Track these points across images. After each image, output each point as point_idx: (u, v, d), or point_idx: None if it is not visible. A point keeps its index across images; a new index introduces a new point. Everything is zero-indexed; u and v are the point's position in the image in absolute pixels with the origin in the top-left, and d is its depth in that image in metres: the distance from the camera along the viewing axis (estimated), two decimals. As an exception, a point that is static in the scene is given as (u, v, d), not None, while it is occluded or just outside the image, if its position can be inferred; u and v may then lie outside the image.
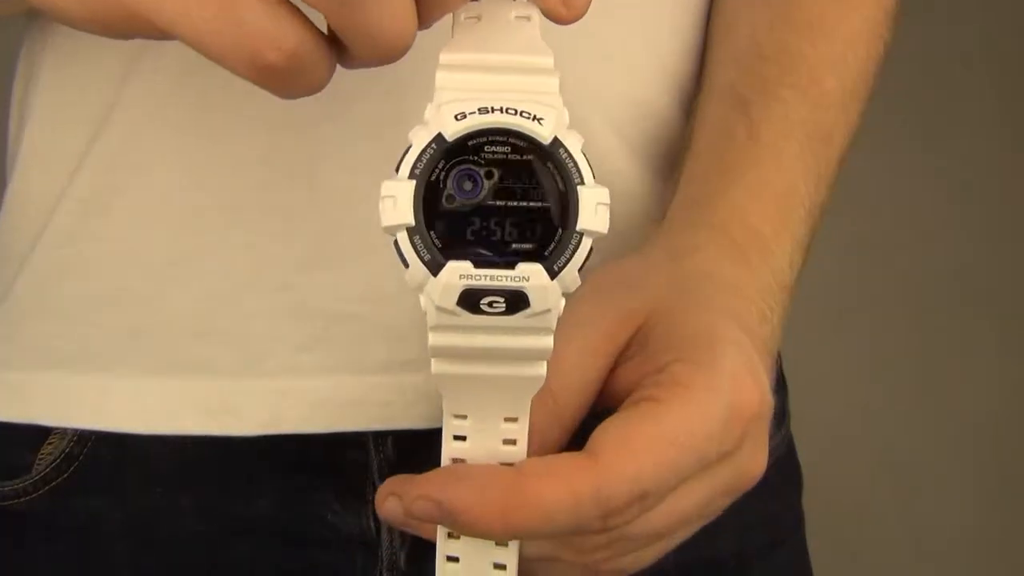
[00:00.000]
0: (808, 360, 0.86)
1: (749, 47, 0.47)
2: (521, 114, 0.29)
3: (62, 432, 0.44)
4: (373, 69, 0.31)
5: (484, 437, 0.33)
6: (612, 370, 0.37)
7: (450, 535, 0.35)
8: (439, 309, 0.30)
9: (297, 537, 0.44)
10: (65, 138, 0.44)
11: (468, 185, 0.29)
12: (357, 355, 0.43)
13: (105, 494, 0.44)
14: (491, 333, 0.30)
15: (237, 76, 0.29)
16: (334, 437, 0.43)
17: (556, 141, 0.29)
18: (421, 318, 0.30)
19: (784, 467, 0.52)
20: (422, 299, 0.30)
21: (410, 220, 0.29)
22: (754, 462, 0.36)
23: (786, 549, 0.53)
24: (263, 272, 0.43)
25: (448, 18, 0.31)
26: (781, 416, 0.51)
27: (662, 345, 0.35)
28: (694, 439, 0.33)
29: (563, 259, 0.29)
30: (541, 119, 0.29)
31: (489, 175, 0.29)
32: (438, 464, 0.34)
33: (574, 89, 0.44)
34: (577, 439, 0.34)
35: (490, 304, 0.29)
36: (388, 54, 0.29)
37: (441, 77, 0.30)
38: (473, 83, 0.30)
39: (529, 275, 0.29)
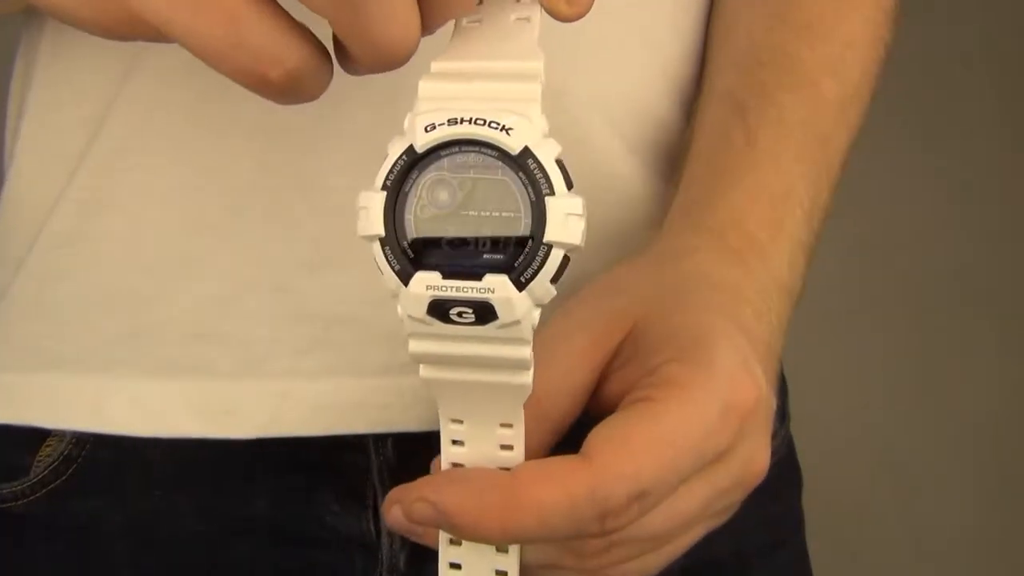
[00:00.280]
0: (808, 361, 0.86)
1: (747, 51, 0.47)
2: (490, 124, 0.29)
3: (60, 434, 0.44)
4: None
5: (481, 442, 0.33)
6: (606, 377, 0.37)
7: (452, 541, 0.35)
8: (411, 318, 0.30)
9: (296, 537, 0.44)
10: (62, 138, 0.44)
11: (442, 195, 0.29)
12: (357, 357, 0.43)
13: (104, 496, 0.44)
14: (467, 342, 0.30)
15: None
16: (333, 439, 0.43)
17: (525, 151, 0.29)
18: None
19: (784, 468, 0.52)
20: (398, 307, 0.30)
21: (380, 231, 0.29)
22: (756, 459, 0.36)
23: (786, 550, 0.53)
24: (262, 274, 0.43)
25: (448, 23, 0.31)
26: (781, 417, 0.51)
27: (655, 347, 0.35)
28: (691, 438, 0.33)
29: (531, 271, 0.29)
30: (510, 129, 0.29)
31: (463, 185, 0.29)
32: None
33: (576, 93, 0.44)
34: (574, 446, 0.34)
35: (459, 314, 0.29)
36: (392, 60, 0.29)
37: (423, 86, 0.31)
38: (452, 92, 0.30)
39: (495, 287, 0.29)
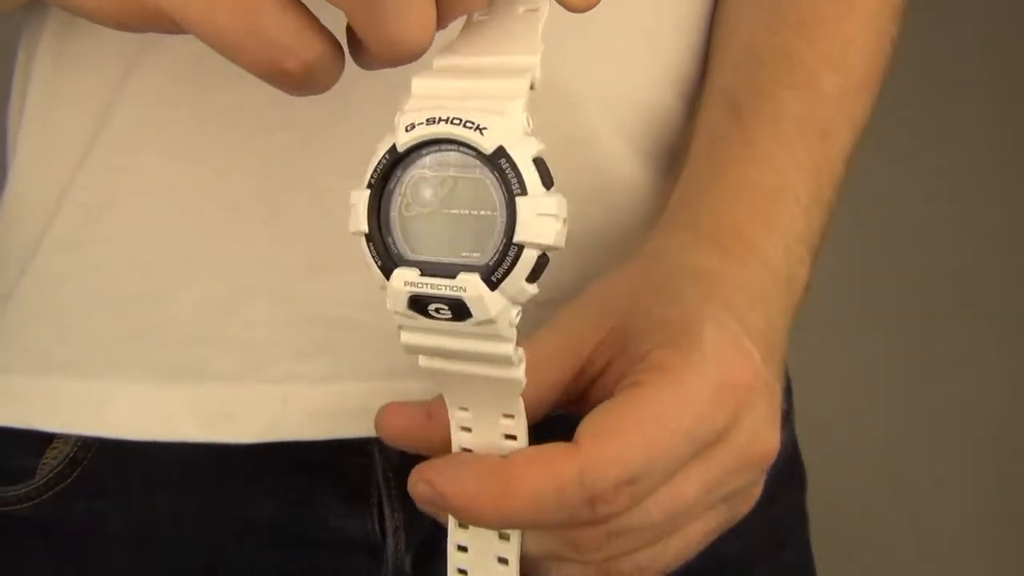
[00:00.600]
0: (809, 361, 0.86)
1: (747, 50, 0.47)
2: (465, 124, 0.29)
3: (65, 437, 0.44)
4: (374, 72, 0.31)
5: (486, 431, 0.33)
6: (595, 378, 0.37)
7: (460, 524, 0.35)
8: (395, 312, 0.30)
9: (298, 538, 0.44)
10: (63, 137, 0.44)
11: (426, 193, 0.30)
12: (358, 362, 0.43)
13: (107, 498, 0.44)
14: (452, 336, 0.30)
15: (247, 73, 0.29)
16: (336, 443, 0.43)
17: (499, 151, 0.29)
18: None
19: (788, 468, 0.52)
20: (387, 301, 0.31)
21: (364, 228, 0.30)
22: (759, 438, 0.35)
23: (790, 550, 0.53)
24: (264, 278, 0.43)
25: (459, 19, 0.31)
26: (785, 416, 0.51)
27: (643, 337, 0.35)
28: (682, 421, 0.33)
29: (502, 270, 0.29)
30: (484, 128, 0.29)
31: (444, 183, 0.30)
32: None
33: (580, 93, 0.44)
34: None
35: (437, 311, 0.30)
36: (407, 55, 0.29)
37: (415, 84, 0.31)
38: (440, 89, 0.30)
39: (466, 285, 0.29)
